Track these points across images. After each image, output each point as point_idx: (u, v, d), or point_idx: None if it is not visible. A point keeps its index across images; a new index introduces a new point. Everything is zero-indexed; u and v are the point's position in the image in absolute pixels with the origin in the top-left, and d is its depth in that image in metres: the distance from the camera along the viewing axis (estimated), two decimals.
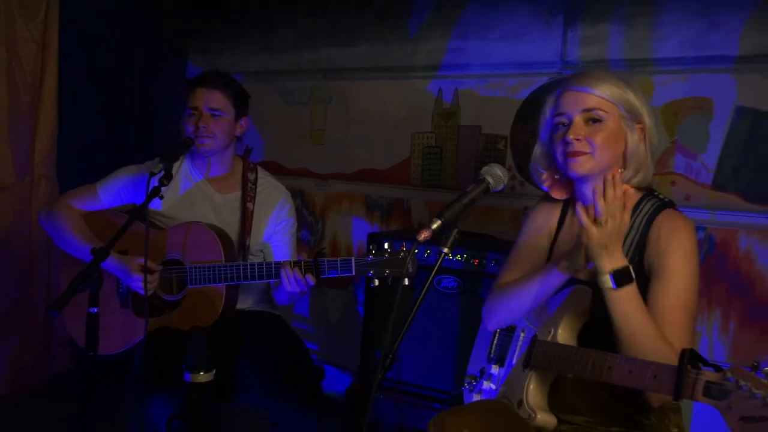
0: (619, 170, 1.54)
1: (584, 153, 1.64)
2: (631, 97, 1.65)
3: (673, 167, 2.62)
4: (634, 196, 1.68)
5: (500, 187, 1.69)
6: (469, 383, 1.91)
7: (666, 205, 1.68)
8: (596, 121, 1.64)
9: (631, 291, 1.52)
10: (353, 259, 2.08)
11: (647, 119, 1.67)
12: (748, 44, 2.46)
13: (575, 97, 1.66)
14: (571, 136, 1.64)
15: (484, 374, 1.86)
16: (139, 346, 2.17)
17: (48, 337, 3.36)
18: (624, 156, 1.66)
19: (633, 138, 1.65)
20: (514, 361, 1.76)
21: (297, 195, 2.64)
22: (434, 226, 1.58)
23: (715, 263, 2.54)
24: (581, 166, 1.65)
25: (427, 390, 2.58)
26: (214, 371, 1.92)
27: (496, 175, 1.67)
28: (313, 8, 3.49)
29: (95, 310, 1.99)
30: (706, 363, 1.28)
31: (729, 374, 1.20)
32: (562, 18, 2.82)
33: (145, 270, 2.19)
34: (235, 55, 3.75)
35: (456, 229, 1.61)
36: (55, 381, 3.40)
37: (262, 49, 3.67)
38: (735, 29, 2.48)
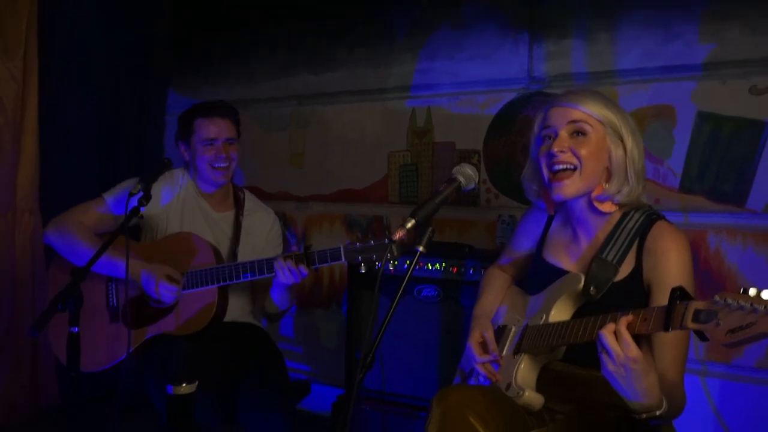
0: (627, 319, 1.42)
1: (569, 168, 1.69)
2: (614, 117, 1.69)
3: None
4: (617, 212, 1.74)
5: (471, 185, 1.75)
6: (459, 380, 1.95)
7: (656, 216, 1.72)
8: (581, 133, 1.69)
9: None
10: (342, 246, 2.15)
11: (629, 139, 1.70)
12: (706, 53, 2.56)
13: (561, 111, 1.72)
14: (555, 149, 1.69)
15: (473, 373, 1.89)
16: (126, 360, 2.20)
17: (36, 369, 3.34)
18: (608, 170, 1.70)
19: (617, 152, 1.69)
20: (504, 353, 1.79)
21: (279, 217, 2.72)
22: (408, 225, 1.63)
23: None
24: (567, 188, 1.70)
25: (411, 399, 2.58)
26: (196, 383, 1.94)
27: (466, 174, 1.74)
28: (290, 38, 3.58)
29: (76, 329, 2.01)
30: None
31: (717, 297, 1.25)
32: (527, 35, 2.93)
33: (126, 285, 2.22)
34: (216, 86, 3.82)
35: (430, 228, 1.65)
36: (43, 413, 3.37)
37: (242, 79, 3.75)
38: (692, 40, 2.58)
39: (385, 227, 3.34)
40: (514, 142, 2.94)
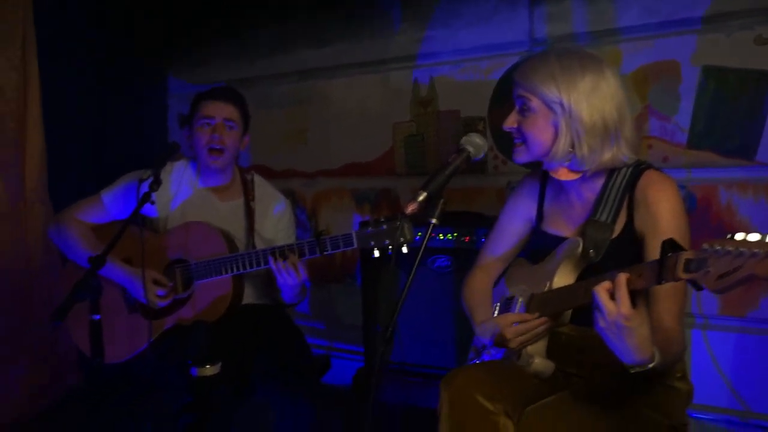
0: (625, 275, 1.42)
1: (518, 144, 1.75)
2: (554, 87, 1.65)
3: (648, 131, 2.68)
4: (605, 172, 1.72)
5: (481, 154, 1.75)
6: (473, 356, 1.97)
7: (644, 167, 1.72)
8: (526, 109, 1.71)
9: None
10: (354, 231, 2.13)
11: (580, 104, 1.64)
12: (709, 5, 2.52)
13: (514, 85, 1.74)
14: (505, 126, 1.76)
15: (485, 347, 1.91)
16: (147, 350, 2.23)
17: (56, 354, 3.38)
18: (557, 141, 1.68)
19: (561, 124, 1.66)
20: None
21: (287, 195, 2.70)
22: (420, 198, 1.62)
23: (698, 219, 2.60)
24: (517, 156, 1.78)
25: (431, 369, 2.62)
26: (219, 363, 1.96)
27: (475, 143, 1.73)
28: (284, 13, 3.55)
29: (98, 317, 2.02)
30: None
31: (705, 245, 1.26)
32: None
33: (143, 274, 2.24)
34: (213, 66, 3.80)
35: (442, 200, 1.65)
36: (68, 396, 3.41)
37: (239, 57, 3.73)
38: None
39: (393, 199, 3.34)
40: None
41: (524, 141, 1.73)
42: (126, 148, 3.71)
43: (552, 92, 1.65)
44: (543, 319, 1.70)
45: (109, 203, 2.47)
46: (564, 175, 1.75)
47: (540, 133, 1.70)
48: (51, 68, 3.38)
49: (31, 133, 3.29)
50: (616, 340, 1.42)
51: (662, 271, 1.35)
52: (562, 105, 1.65)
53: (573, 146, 1.67)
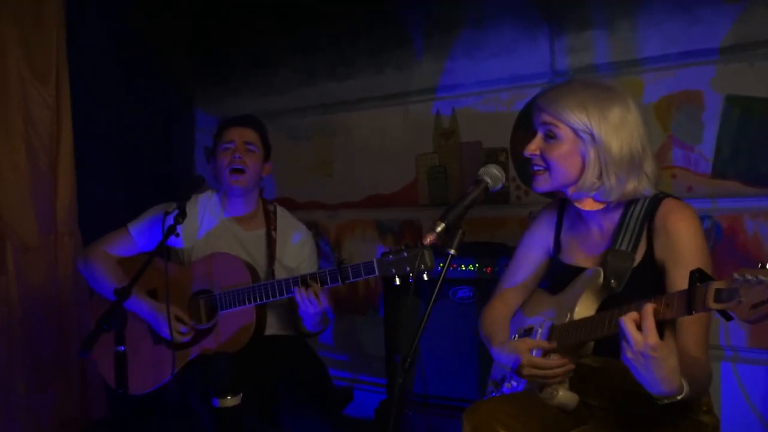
0: (652, 306, 1.41)
1: (540, 171, 1.73)
2: (585, 117, 1.65)
3: (671, 161, 2.66)
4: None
5: (498, 186, 1.75)
6: (492, 389, 1.95)
7: (662, 195, 1.72)
8: (551, 137, 1.70)
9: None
10: (375, 259, 2.14)
11: (608, 136, 1.65)
12: (731, 35, 2.51)
13: (537, 111, 1.73)
14: (526, 152, 1.74)
15: (505, 379, 1.90)
16: (171, 383, 2.25)
17: (85, 385, 3.42)
18: (583, 171, 1.69)
19: (588, 154, 1.67)
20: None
21: (311, 227, 2.72)
22: (438, 229, 1.63)
23: (724, 249, 2.56)
24: (538, 185, 1.76)
25: (454, 400, 2.60)
26: (241, 394, 1.97)
27: (493, 174, 1.73)
28: (309, 46, 3.62)
29: (122, 348, 2.06)
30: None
31: (736, 275, 1.24)
32: (548, 29, 2.92)
33: (168, 310, 2.26)
34: (239, 99, 3.88)
35: (460, 230, 1.66)
36: (95, 426, 3.44)
37: (264, 91, 3.80)
38: (716, 22, 2.54)
39: (417, 230, 3.34)
40: None
41: (547, 168, 1.72)
42: (154, 180, 3.79)
43: (583, 121, 1.65)
44: (562, 361, 1.68)
45: (136, 236, 2.52)
46: (589, 205, 1.75)
47: (565, 161, 1.69)
48: (82, 102, 3.48)
49: (63, 168, 3.37)
50: (644, 371, 1.40)
51: (692, 301, 1.33)
52: (593, 135, 1.65)
53: (600, 176, 1.67)
